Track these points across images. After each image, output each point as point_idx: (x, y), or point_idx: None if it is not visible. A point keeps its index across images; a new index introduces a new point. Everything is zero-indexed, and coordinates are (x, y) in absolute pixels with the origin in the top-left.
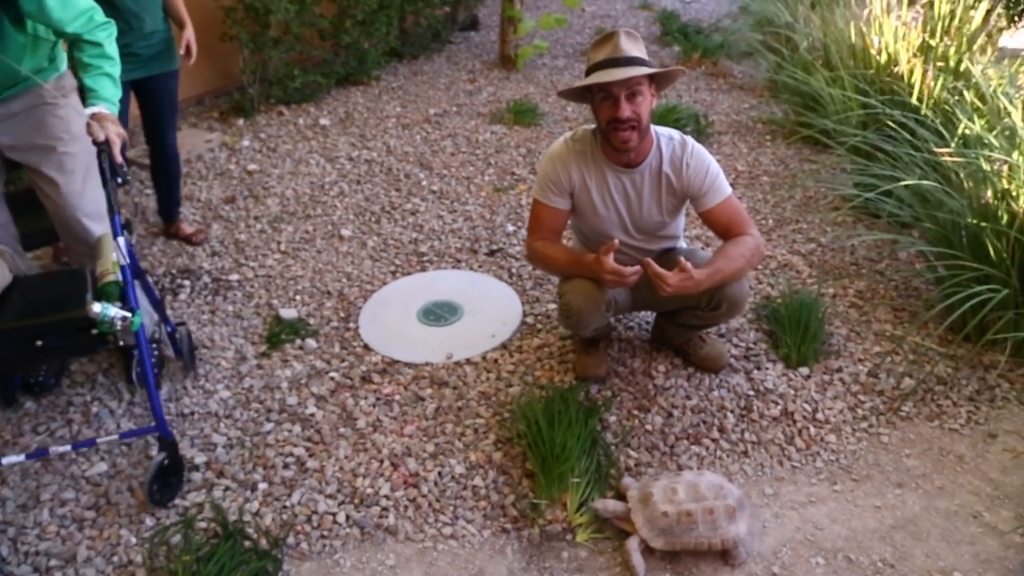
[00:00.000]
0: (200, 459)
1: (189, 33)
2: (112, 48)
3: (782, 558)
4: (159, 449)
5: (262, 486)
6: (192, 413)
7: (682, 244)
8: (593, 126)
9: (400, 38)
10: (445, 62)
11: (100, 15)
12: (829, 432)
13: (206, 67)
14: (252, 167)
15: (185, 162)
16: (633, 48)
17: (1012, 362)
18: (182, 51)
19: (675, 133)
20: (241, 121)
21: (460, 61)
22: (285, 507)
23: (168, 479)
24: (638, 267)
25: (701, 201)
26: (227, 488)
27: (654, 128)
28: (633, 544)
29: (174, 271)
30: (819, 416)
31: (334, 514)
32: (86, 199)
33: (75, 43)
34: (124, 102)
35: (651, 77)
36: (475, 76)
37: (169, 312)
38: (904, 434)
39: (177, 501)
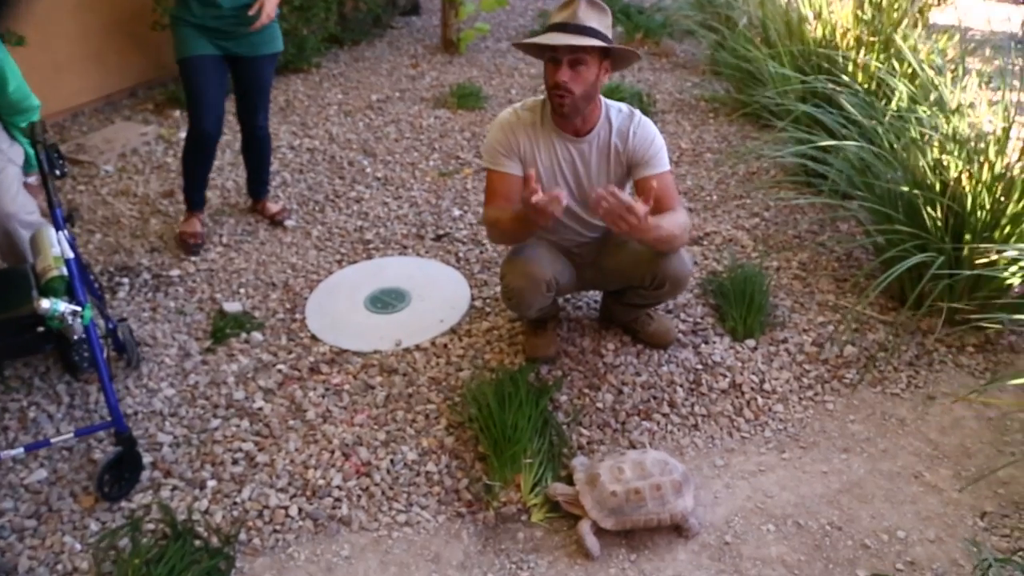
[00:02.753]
0: (146, 459)
1: None
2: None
3: (734, 527)
4: (116, 445)
5: (211, 483)
6: (136, 413)
7: None
8: (543, 97)
9: (340, 24)
10: (387, 47)
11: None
12: (776, 402)
13: (138, 58)
14: None
15: (120, 156)
16: (591, 18)
17: (948, 327)
18: (252, 11)
19: (624, 106)
20: (177, 112)
21: (402, 46)
22: (235, 503)
23: (121, 473)
24: (562, 193)
25: (639, 169)
26: (175, 487)
27: (605, 100)
28: (585, 527)
29: (112, 268)
30: (766, 387)
31: (286, 508)
32: (18, 203)
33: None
34: (223, 77)
35: (605, 52)
36: (417, 61)
37: (108, 311)
38: (848, 400)
39: (123, 503)
